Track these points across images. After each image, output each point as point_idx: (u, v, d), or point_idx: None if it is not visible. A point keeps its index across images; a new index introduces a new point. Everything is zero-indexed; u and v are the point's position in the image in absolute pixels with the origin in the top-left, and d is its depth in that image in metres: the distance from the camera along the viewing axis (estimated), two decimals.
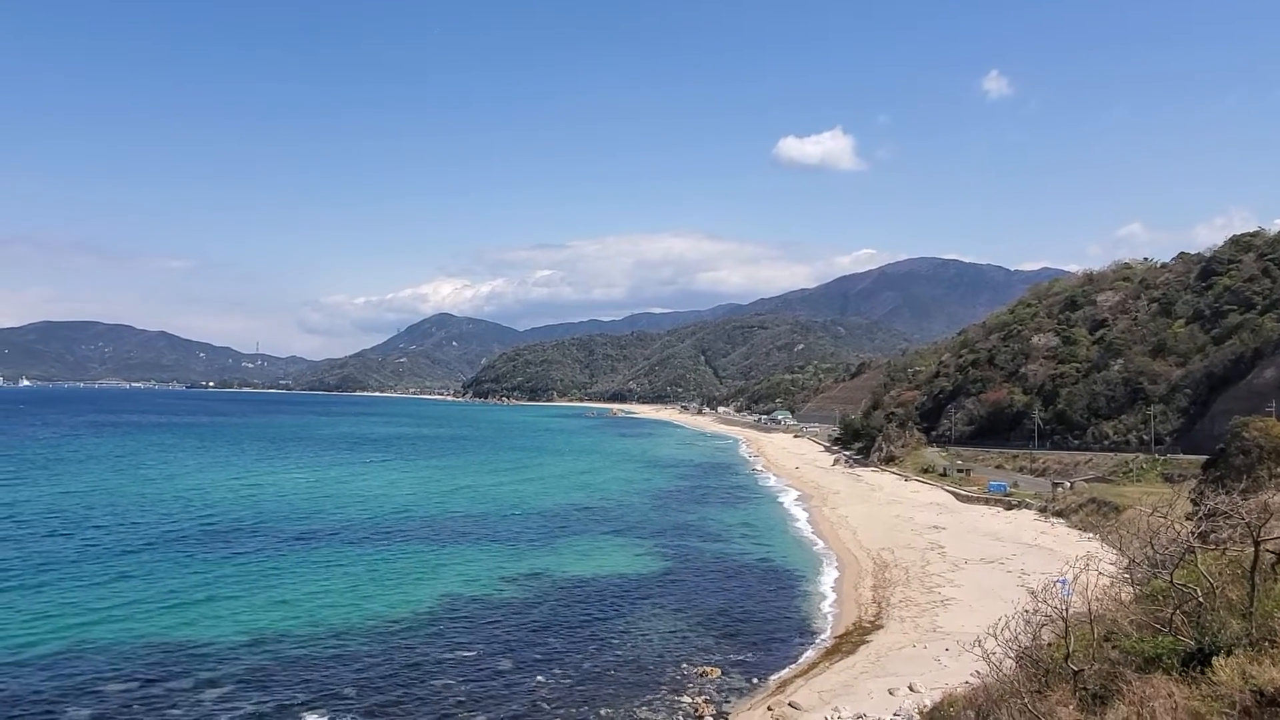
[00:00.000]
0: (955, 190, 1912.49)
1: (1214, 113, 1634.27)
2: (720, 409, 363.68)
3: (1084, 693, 17.16)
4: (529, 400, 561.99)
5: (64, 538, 62.42)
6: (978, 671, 25.65)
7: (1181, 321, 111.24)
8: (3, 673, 34.29)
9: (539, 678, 35.34)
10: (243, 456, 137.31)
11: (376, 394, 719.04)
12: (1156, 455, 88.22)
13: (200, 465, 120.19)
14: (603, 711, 31.67)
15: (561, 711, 31.67)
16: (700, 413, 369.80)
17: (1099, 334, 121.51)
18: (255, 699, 32.15)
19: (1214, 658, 14.82)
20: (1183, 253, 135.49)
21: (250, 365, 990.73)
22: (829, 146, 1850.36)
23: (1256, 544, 15.60)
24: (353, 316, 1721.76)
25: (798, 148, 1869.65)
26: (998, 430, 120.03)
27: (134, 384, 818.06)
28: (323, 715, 30.77)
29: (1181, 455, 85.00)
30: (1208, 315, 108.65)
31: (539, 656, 38.19)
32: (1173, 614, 17.73)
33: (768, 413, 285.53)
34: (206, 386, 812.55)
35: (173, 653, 37.21)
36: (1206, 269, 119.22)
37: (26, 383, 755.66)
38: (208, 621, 42.04)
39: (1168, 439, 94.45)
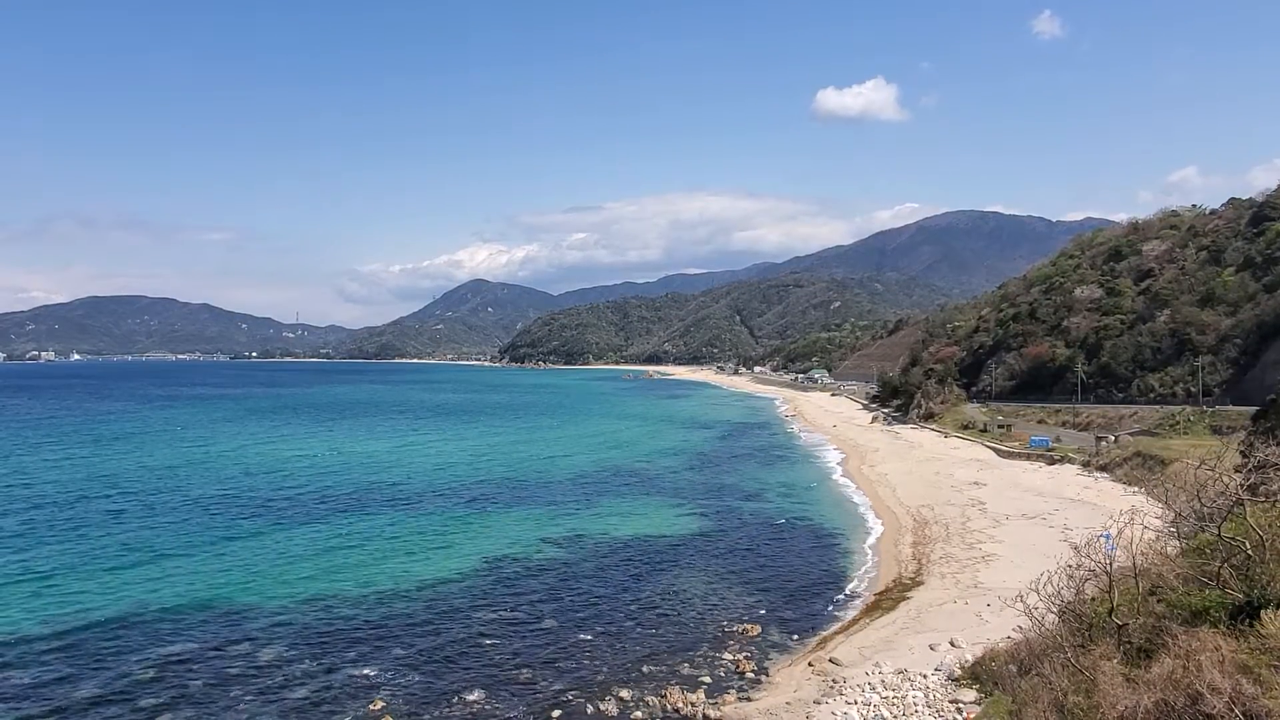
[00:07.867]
0: (1000, 139, 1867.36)
1: (1277, 50, 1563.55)
2: (756, 369, 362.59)
3: (1128, 647, 17.09)
4: (565, 364, 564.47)
5: (120, 512, 64.50)
6: (1020, 627, 25.67)
7: (1231, 269, 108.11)
8: (73, 632, 35.82)
9: (582, 635, 35.98)
10: (297, 429, 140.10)
11: (415, 360, 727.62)
12: (1204, 407, 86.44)
13: (256, 436, 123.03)
14: (645, 669, 32.17)
15: (605, 668, 32.25)
16: (736, 373, 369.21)
17: (1144, 284, 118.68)
18: (307, 658, 33.17)
19: (1263, 611, 14.66)
20: (1233, 198, 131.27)
21: (291, 335, 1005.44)
22: (870, 97, 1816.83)
23: None
24: (389, 285, 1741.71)
25: (837, 99, 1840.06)
26: (1039, 385, 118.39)
27: (180, 356, 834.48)
28: (372, 672, 31.67)
29: (1230, 407, 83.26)
30: (1259, 262, 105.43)
31: (582, 615, 38.86)
32: (1220, 567, 17.54)
33: (804, 372, 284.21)
34: (250, 357, 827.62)
35: (229, 614, 38.48)
36: (1258, 214, 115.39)
37: (77, 357, 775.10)
38: (261, 585, 43.34)
39: (1216, 390, 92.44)
